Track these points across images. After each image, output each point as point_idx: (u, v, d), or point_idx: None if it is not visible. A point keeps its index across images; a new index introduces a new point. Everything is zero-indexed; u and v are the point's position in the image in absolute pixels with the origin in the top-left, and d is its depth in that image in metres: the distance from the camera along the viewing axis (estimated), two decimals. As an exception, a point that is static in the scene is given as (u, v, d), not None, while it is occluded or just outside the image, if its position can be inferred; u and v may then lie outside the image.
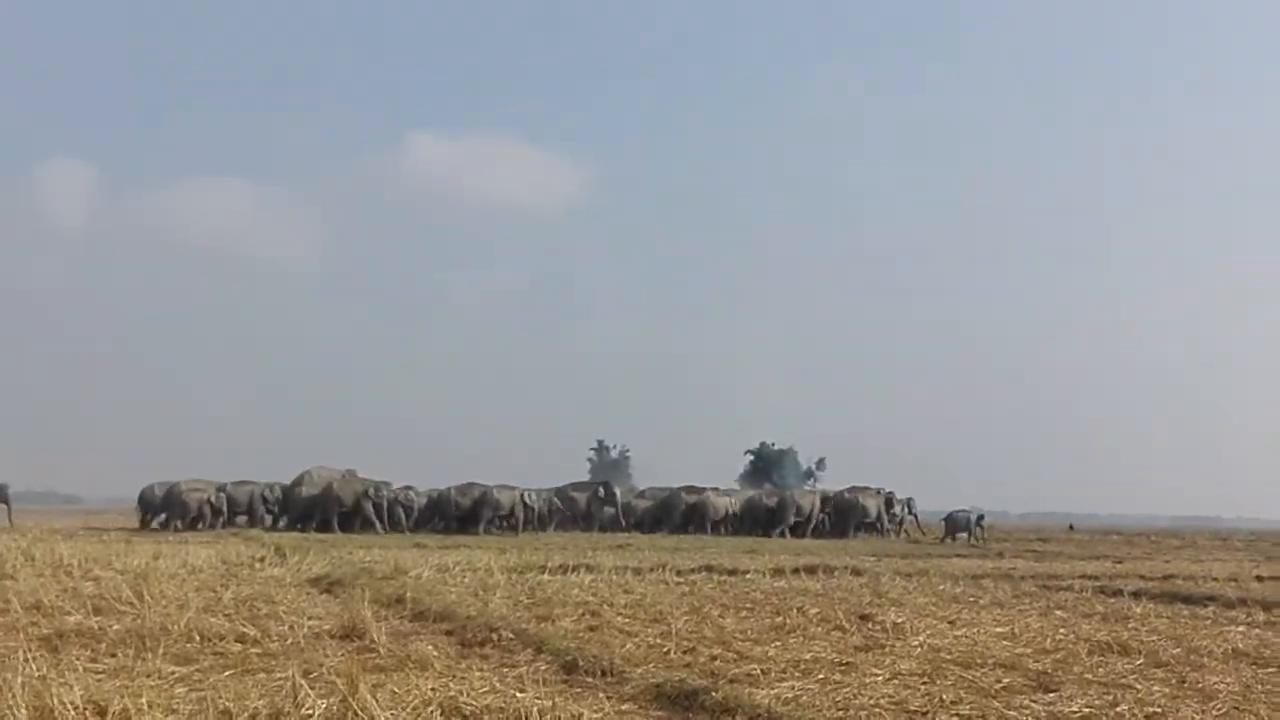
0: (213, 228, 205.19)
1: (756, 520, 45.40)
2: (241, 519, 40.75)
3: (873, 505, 46.92)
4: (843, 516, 46.41)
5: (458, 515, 41.19)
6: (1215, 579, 19.19)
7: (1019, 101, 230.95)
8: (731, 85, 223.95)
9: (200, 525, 38.34)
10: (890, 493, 48.07)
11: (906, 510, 48.74)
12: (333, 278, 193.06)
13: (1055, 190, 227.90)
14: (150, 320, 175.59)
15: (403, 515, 40.20)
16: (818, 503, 46.55)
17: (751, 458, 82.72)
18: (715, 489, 48.82)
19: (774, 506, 46.10)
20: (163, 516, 39.60)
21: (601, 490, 45.22)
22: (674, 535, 40.49)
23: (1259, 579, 19.65)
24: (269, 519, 40.92)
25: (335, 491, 39.86)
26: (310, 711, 6.09)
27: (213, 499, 39.66)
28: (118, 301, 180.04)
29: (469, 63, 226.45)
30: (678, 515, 44.97)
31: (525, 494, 42.12)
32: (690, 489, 47.07)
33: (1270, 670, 8.82)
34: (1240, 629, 11.47)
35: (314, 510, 40.02)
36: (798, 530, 44.66)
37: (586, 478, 72.23)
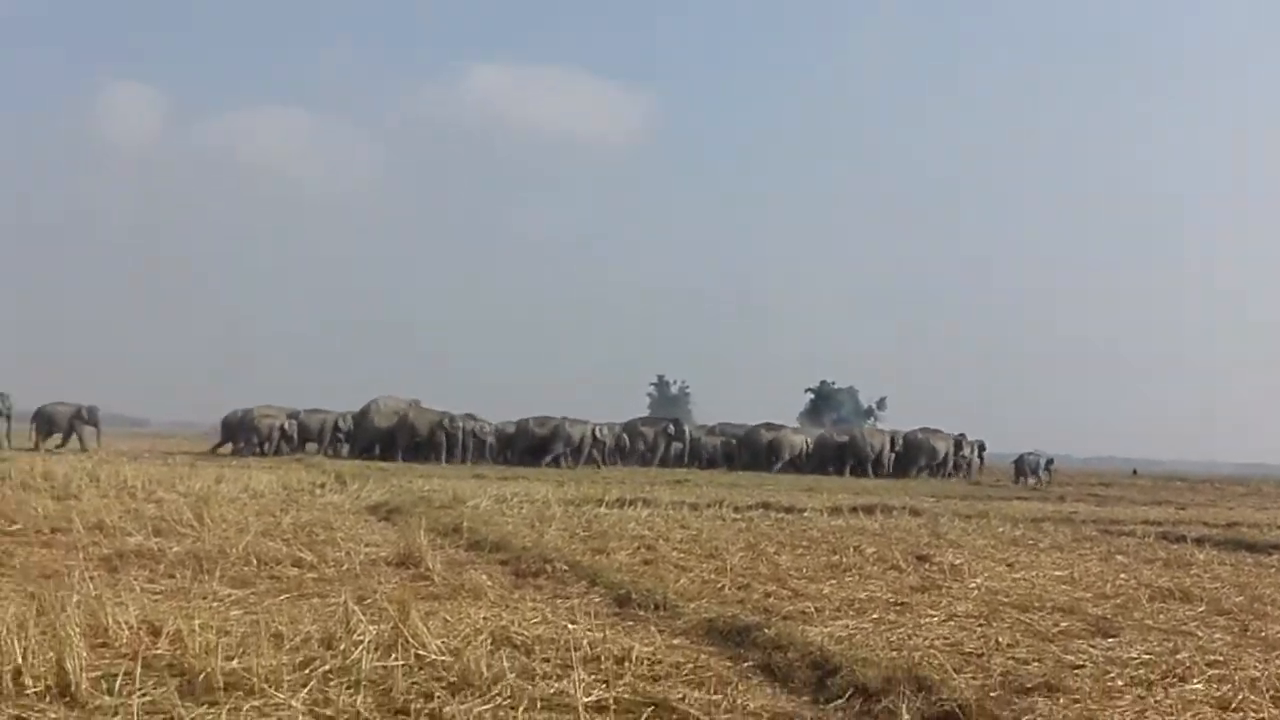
0: (276, 155, 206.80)
1: (825, 458, 45.20)
2: (312, 446, 40.95)
3: (942, 446, 46.60)
4: (912, 457, 46.13)
5: (528, 448, 41.06)
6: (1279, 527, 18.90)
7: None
8: (798, 16, 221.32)
9: (271, 450, 38.56)
10: (961, 435, 47.73)
11: (976, 453, 48.31)
12: (393, 209, 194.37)
13: (1123, 119, 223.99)
14: (213, 246, 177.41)
15: (474, 446, 40.09)
16: (888, 442, 46.18)
17: (812, 396, 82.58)
18: (793, 427, 48.96)
19: (844, 444, 45.90)
20: (238, 442, 39.83)
21: (671, 426, 44.93)
22: (748, 472, 40.45)
23: (1326, 528, 19.31)
24: (343, 447, 41.04)
25: (410, 420, 39.89)
26: (361, 637, 6.09)
27: (285, 425, 39.94)
28: (182, 226, 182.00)
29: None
30: (758, 452, 44.86)
31: (597, 428, 41.96)
32: (769, 425, 47.09)
33: (1336, 620, 8.64)
34: (1306, 578, 11.26)
35: (388, 439, 40.06)
36: (867, 469, 44.45)
37: (646, 413, 72.47)
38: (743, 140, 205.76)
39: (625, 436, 43.64)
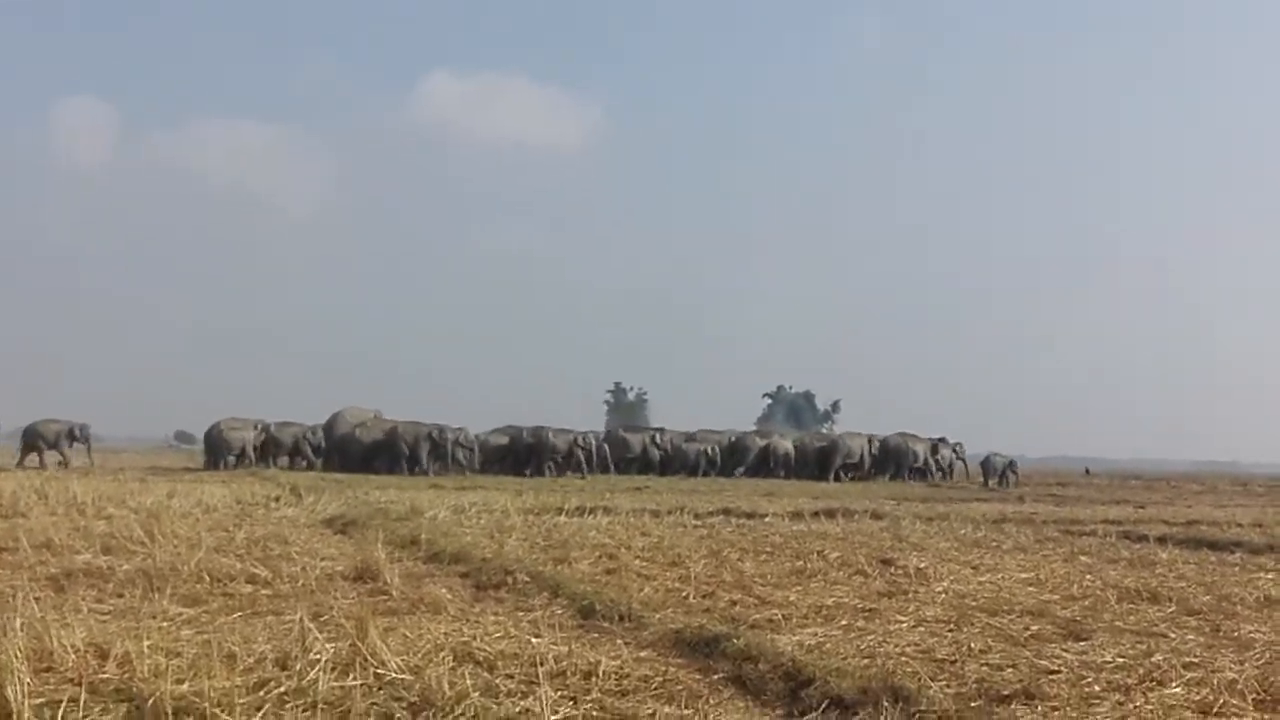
0: (227, 168, 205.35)
1: (806, 463, 45.32)
2: (283, 461, 40.60)
3: (921, 450, 46.95)
4: (891, 460, 46.45)
5: (509, 457, 41.25)
6: (1239, 524, 18.92)
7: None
8: (746, 23, 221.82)
9: (246, 463, 38.33)
10: (941, 438, 47.93)
11: (955, 456, 48.57)
12: (344, 218, 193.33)
13: (1073, 127, 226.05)
14: (165, 259, 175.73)
15: (463, 457, 40.03)
16: (866, 446, 46.39)
17: (769, 400, 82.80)
18: (780, 433, 49.31)
19: (825, 448, 46.08)
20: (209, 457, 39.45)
21: (656, 435, 44.79)
22: (734, 478, 40.78)
23: (1284, 525, 19.37)
24: (318, 460, 40.70)
25: (400, 434, 39.74)
26: (318, 656, 5.87)
27: (255, 438, 39.71)
28: (132, 240, 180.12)
29: (484, 4, 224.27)
30: (749, 458, 44.98)
31: (580, 437, 42.01)
32: (760, 433, 48.11)
33: (1306, 619, 8.58)
34: (1270, 575, 11.21)
35: (372, 452, 39.83)
36: (846, 473, 44.66)
37: (604, 419, 72.30)
38: (692, 147, 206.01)
39: (606, 445, 43.42)
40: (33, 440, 37.51)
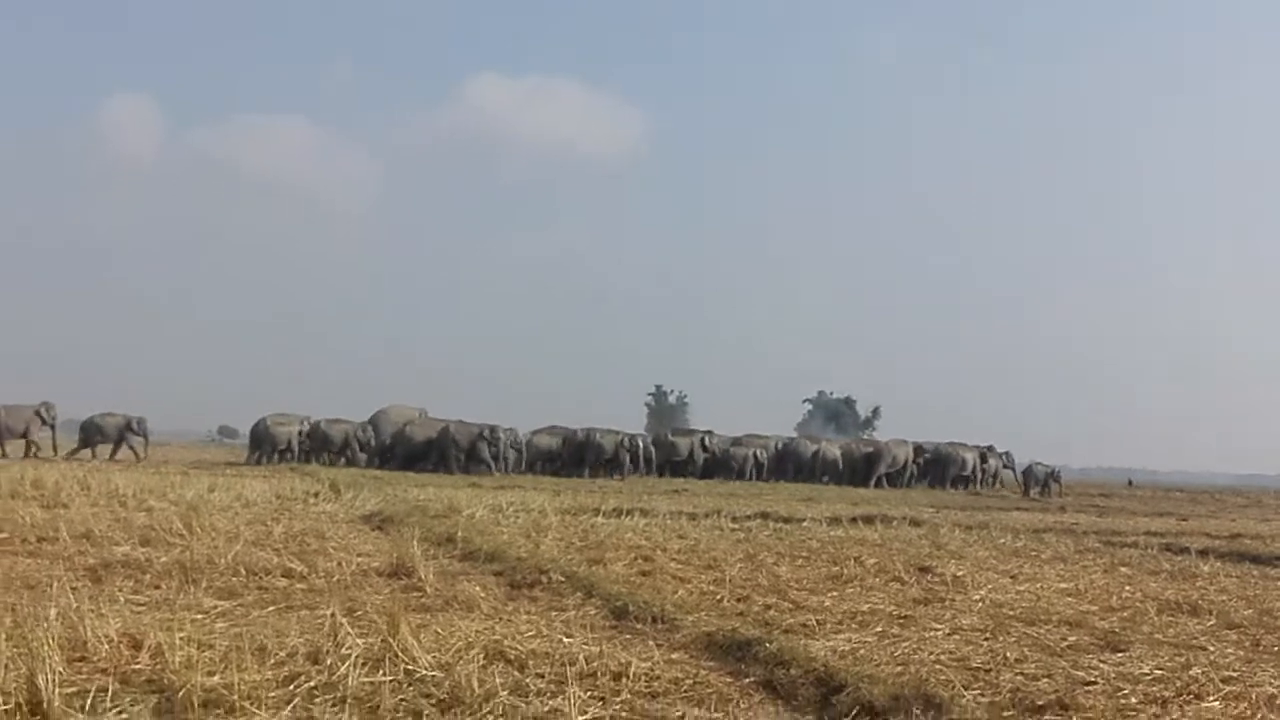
0: (272, 164, 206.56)
1: (852, 469, 45.17)
2: (332, 458, 40.32)
3: (969, 458, 46.71)
4: (939, 468, 46.25)
5: (553, 457, 41.36)
6: (1284, 539, 18.71)
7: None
8: (794, 29, 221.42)
9: (291, 459, 38.46)
10: (990, 446, 47.66)
11: (1003, 465, 48.18)
12: (389, 220, 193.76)
13: (1116, 136, 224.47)
14: (210, 254, 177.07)
15: (513, 458, 40.04)
16: (910, 453, 46.22)
17: (810, 406, 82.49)
18: (828, 439, 49.40)
19: (870, 455, 45.94)
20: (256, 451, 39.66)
21: (705, 438, 44.52)
22: (795, 484, 40.39)
23: (1330, 540, 19.13)
24: (363, 457, 40.51)
25: (452, 434, 39.76)
26: (349, 651, 5.88)
27: (302, 432, 39.91)
28: (180, 236, 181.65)
29: (531, 6, 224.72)
30: (801, 463, 44.86)
31: (627, 439, 41.89)
32: (810, 438, 47.78)
33: (1349, 635, 8.45)
34: (1314, 591, 11.07)
35: (430, 451, 39.96)
36: (892, 480, 44.48)
37: (644, 423, 72.24)
38: (741, 159, 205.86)
39: (654, 447, 43.28)
40: (91, 434, 38.04)
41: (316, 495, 19.12)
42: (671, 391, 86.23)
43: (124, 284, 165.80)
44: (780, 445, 45.71)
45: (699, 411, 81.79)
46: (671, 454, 43.27)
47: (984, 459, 47.13)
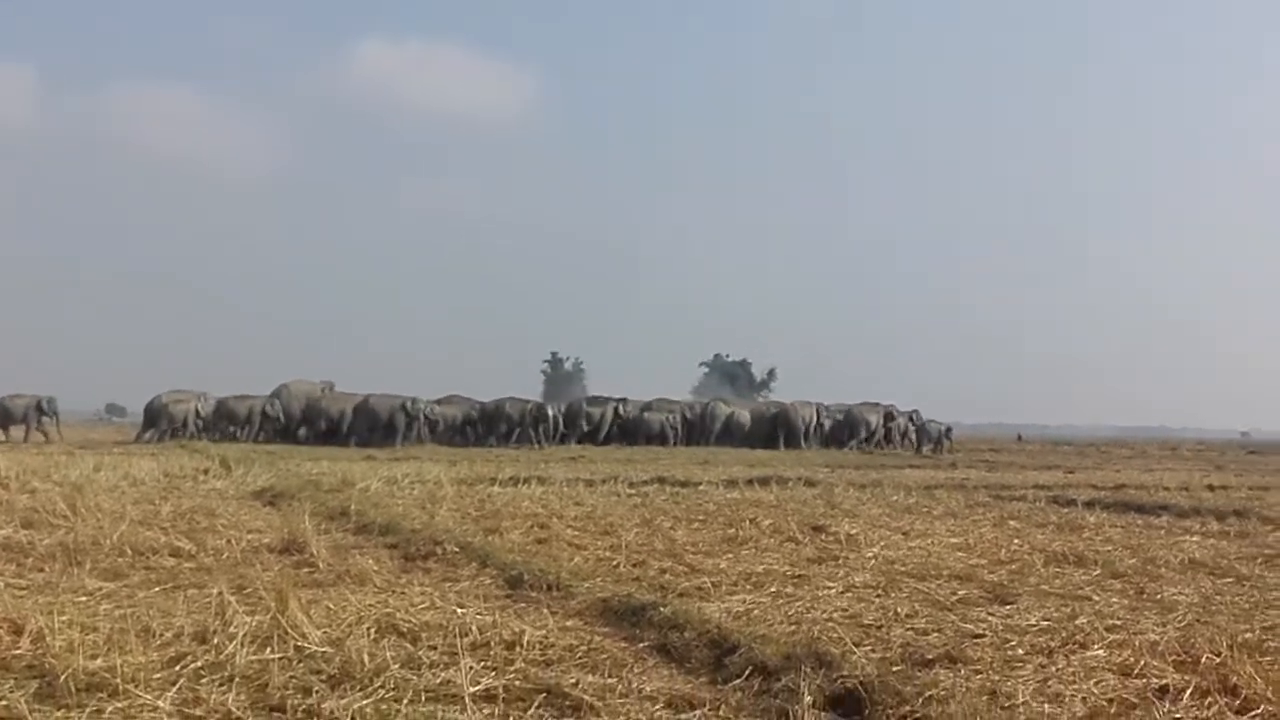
0: (157, 132, 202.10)
1: (759, 432, 45.59)
2: (235, 431, 40.02)
3: (874, 418, 47.38)
4: (847, 430, 46.97)
5: (459, 428, 41.50)
6: (1166, 488, 19.21)
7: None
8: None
9: (186, 435, 37.99)
10: (892, 406, 48.18)
11: (910, 423, 48.68)
12: (281, 183, 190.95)
13: (1013, 102, 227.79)
14: (93, 226, 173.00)
15: (429, 429, 40.29)
16: (815, 415, 46.75)
17: (706, 369, 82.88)
18: (736, 403, 50.27)
19: (776, 417, 46.51)
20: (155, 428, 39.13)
21: (619, 405, 44.44)
22: (700, 448, 40.66)
23: (1210, 488, 19.67)
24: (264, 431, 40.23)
25: (371, 406, 39.82)
26: (237, 630, 5.77)
27: (200, 409, 39.38)
28: (59, 206, 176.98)
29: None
30: (716, 427, 45.27)
31: (536, 407, 42.12)
32: (723, 401, 48.23)
33: (1228, 580, 8.68)
34: (1195, 539, 11.35)
35: (348, 424, 39.88)
36: (799, 441, 44.94)
37: (540, 389, 72.09)
38: (634, 115, 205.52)
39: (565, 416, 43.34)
40: (3, 416, 37.60)
41: (206, 472, 18.84)
42: (567, 358, 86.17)
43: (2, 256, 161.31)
44: (692, 410, 46.06)
45: (595, 378, 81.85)
46: (586, 422, 43.41)
47: (890, 418, 47.73)
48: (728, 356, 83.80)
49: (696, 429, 45.01)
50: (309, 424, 40.43)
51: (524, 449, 37.39)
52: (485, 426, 41.42)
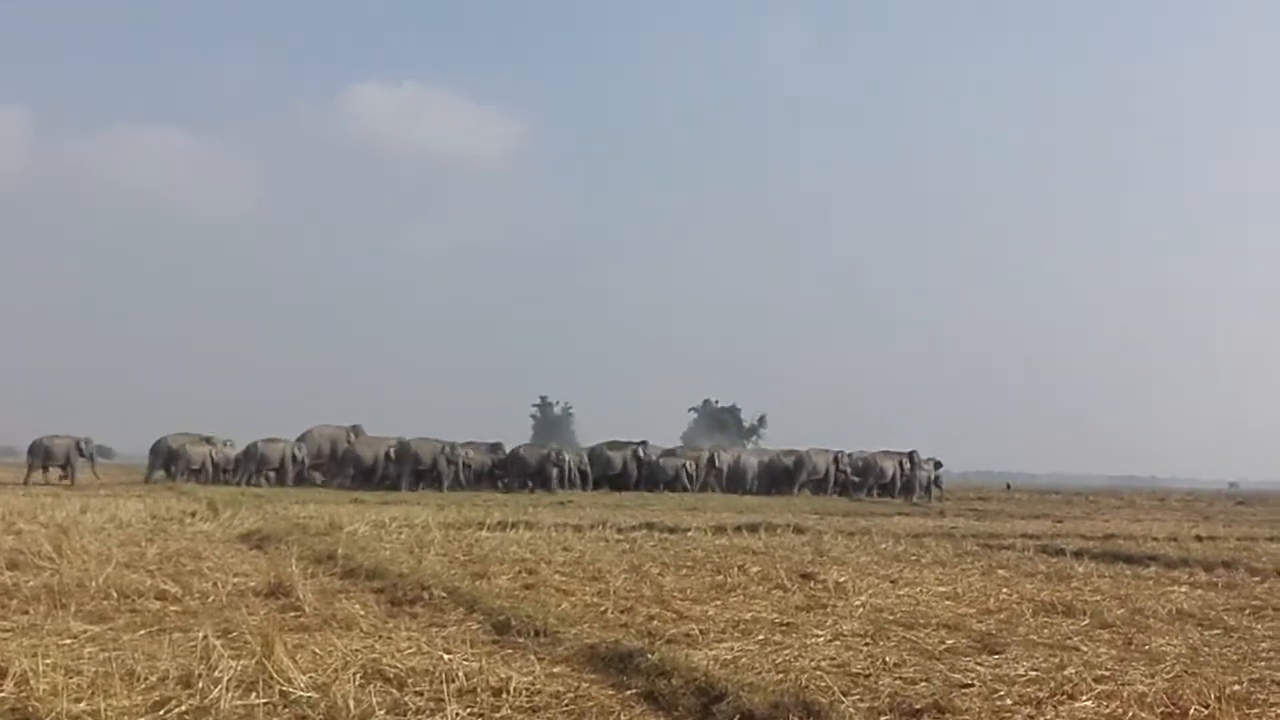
0: (149, 176, 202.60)
1: (774, 479, 45.84)
2: (270, 476, 40.21)
3: (889, 466, 47.34)
4: (862, 477, 47.01)
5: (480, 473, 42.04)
6: (1155, 539, 19.19)
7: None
8: (666, 39, 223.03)
9: (205, 479, 38.39)
10: (913, 452, 48.06)
11: (930, 471, 48.10)
12: (271, 228, 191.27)
13: (1002, 143, 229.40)
14: (84, 269, 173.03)
15: (464, 474, 40.96)
16: (832, 462, 46.77)
17: (695, 415, 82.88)
18: (747, 449, 50.97)
19: (791, 466, 46.58)
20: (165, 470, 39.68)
21: (639, 450, 44.64)
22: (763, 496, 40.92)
23: (1198, 539, 19.68)
24: (317, 477, 40.94)
25: (414, 451, 40.55)
26: (222, 674, 5.75)
27: (214, 454, 39.84)
28: (50, 250, 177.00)
29: (408, 12, 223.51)
30: (725, 473, 45.56)
31: (553, 453, 42.52)
32: (788, 452, 47.95)
33: (1215, 632, 8.67)
34: (1183, 589, 11.35)
35: (380, 468, 40.60)
36: (815, 489, 45.19)
37: (530, 433, 72.01)
38: (619, 161, 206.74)
39: (586, 461, 43.78)
40: (40, 456, 37.91)
41: (193, 515, 18.75)
42: (557, 402, 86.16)
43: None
44: (711, 457, 46.20)
45: (584, 422, 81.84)
46: (606, 467, 43.68)
47: (903, 467, 47.57)
48: (717, 402, 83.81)
49: (710, 475, 45.19)
50: (341, 467, 41.08)
51: (540, 494, 37.75)
52: (503, 470, 41.99)
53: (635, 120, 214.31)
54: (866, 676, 6.52)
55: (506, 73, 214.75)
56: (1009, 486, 62.84)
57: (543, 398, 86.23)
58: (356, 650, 6.77)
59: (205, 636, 6.50)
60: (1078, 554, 15.17)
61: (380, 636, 7.46)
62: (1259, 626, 9.02)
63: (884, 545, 15.96)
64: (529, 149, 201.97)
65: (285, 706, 5.49)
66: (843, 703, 5.63)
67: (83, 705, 5.27)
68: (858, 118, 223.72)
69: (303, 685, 5.75)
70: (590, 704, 5.80)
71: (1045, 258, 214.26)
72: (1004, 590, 10.72)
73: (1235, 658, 7.57)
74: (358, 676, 6.01)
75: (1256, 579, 12.46)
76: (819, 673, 6.51)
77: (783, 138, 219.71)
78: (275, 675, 5.82)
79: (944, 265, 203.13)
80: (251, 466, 39.80)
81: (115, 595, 9.01)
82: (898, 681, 6.38)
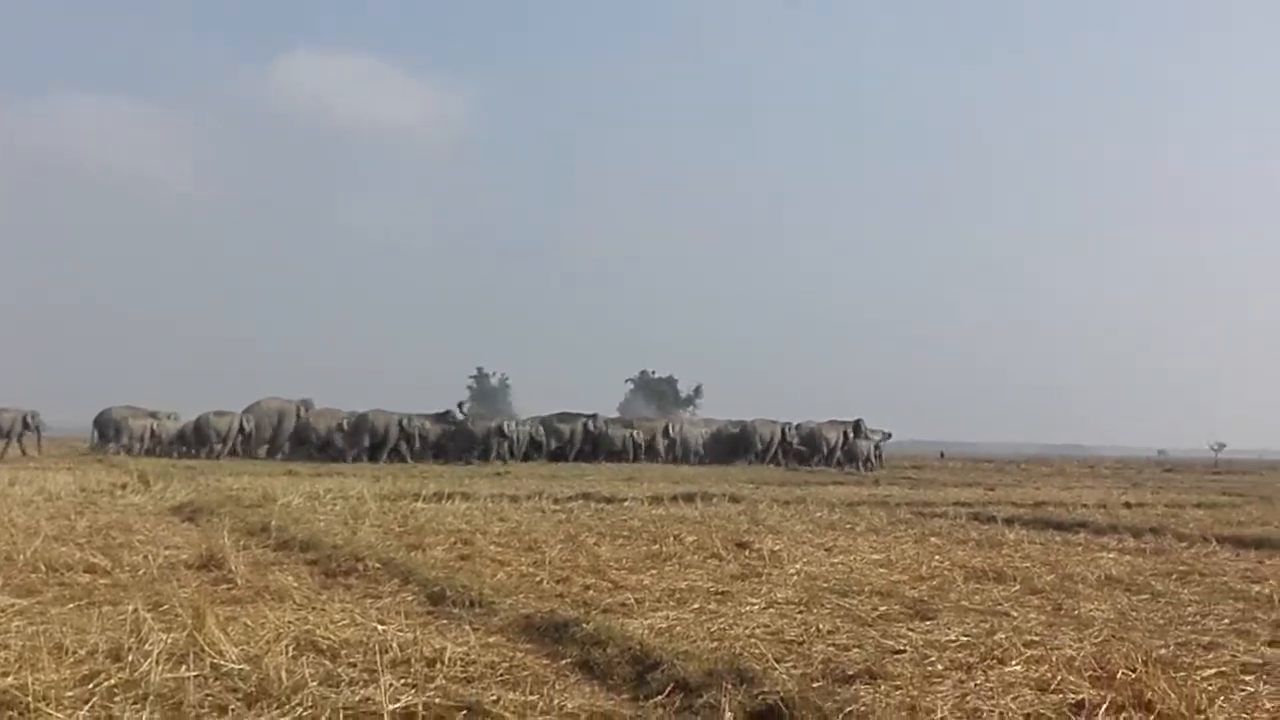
0: (86, 144, 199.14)
1: (720, 450, 46.49)
2: (217, 449, 39.99)
3: (834, 436, 47.96)
4: (809, 447, 47.58)
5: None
6: (1085, 506, 19.47)
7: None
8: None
9: (142, 450, 38.37)
10: (857, 422, 48.58)
11: (873, 442, 48.94)
12: (208, 198, 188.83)
13: (932, 125, 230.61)
14: (18, 241, 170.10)
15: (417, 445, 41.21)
16: (778, 432, 47.28)
17: (632, 385, 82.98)
18: (694, 419, 51.56)
19: (738, 435, 47.28)
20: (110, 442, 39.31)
21: (589, 422, 44.92)
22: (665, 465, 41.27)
23: (1127, 506, 19.96)
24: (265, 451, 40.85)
25: (371, 423, 40.58)
26: (152, 647, 5.68)
27: (155, 427, 39.66)
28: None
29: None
30: (678, 444, 46.03)
31: (504, 424, 42.78)
32: (735, 422, 48.73)
33: (1143, 597, 8.80)
34: (1112, 555, 11.51)
35: (329, 441, 40.78)
36: (761, 459, 45.88)
37: (468, 404, 71.72)
38: (563, 134, 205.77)
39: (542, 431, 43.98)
40: None
41: (124, 487, 18.54)
42: (493, 373, 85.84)
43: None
44: (666, 427, 46.78)
45: (521, 394, 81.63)
46: (557, 438, 43.92)
47: (847, 437, 48.19)
48: (654, 373, 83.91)
49: (655, 446, 45.52)
50: (301, 440, 41.12)
51: (485, 465, 37.86)
52: (453, 443, 41.89)
53: (578, 93, 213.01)
54: (800, 644, 6.56)
55: (450, 44, 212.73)
56: (942, 455, 63.44)
57: (479, 369, 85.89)
58: (289, 622, 6.71)
59: (135, 610, 6.42)
60: (1009, 521, 15.36)
61: (313, 608, 7.41)
62: (1185, 591, 9.16)
63: (819, 514, 16.08)
64: (471, 121, 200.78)
65: (216, 679, 5.43)
66: (776, 669, 5.66)
67: (10, 680, 5.19)
68: (810, 90, 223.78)
69: (234, 657, 5.69)
70: (525, 674, 5.79)
71: (979, 226, 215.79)
72: (936, 557, 10.82)
73: (1162, 622, 7.68)
74: (290, 648, 5.97)
75: (1183, 545, 12.65)
76: (753, 640, 6.55)
77: (729, 111, 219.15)
78: (206, 648, 5.76)
79: (876, 234, 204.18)
80: (201, 439, 39.60)
81: (43, 568, 8.90)
82: (831, 648, 6.42)
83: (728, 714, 4.96)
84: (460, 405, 44.04)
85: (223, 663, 5.62)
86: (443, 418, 42.60)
